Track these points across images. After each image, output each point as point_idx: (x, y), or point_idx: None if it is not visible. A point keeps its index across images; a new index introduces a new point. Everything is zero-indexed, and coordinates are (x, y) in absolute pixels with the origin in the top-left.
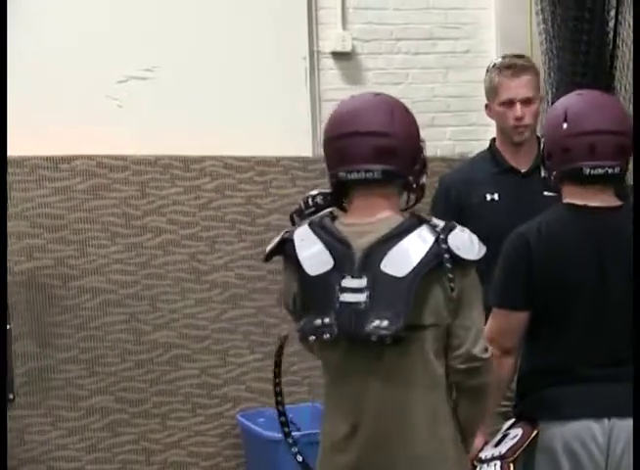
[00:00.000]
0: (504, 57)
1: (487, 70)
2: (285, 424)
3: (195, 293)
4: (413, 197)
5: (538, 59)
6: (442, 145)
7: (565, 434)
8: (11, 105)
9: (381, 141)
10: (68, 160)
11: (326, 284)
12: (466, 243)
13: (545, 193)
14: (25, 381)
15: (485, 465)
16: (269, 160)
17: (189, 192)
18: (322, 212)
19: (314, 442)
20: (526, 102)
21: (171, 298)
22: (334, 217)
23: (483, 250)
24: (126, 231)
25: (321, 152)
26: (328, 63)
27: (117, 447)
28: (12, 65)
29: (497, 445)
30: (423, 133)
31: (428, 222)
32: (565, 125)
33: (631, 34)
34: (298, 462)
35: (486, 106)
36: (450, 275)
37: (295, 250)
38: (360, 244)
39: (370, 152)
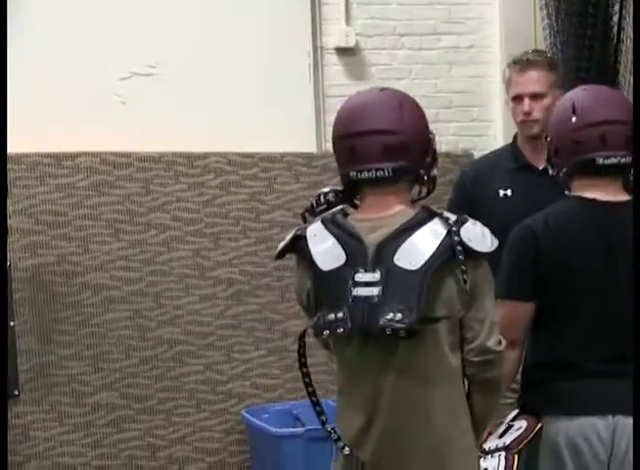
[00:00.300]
0: (525, 52)
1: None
2: (321, 413)
3: (199, 289)
4: (425, 189)
5: None
6: (446, 141)
7: (569, 429)
8: (14, 103)
9: (389, 139)
10: (72, 157)
11: (339, 279)
12: (478, 235)
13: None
14: (30, 377)
15: (490, 456)
16: (273, 156)
17: (193, 188)
18: (334, 209)
19: (317, 438)
20: (535, 97)
21: (175, 294)
22: (346, 214)
23: (496, 243)
24: (130, 228)
25: (325, 148)
26: (331, 58)
27: (123, 443)
28: (15, 62)
29: (501, 436)
30: None
31: (440, 215)
32: (574, 119)
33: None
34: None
35: (507, 101)
36: (463, 267)
37: (307, 246)
38: (372, 238)
39: (379, 150)
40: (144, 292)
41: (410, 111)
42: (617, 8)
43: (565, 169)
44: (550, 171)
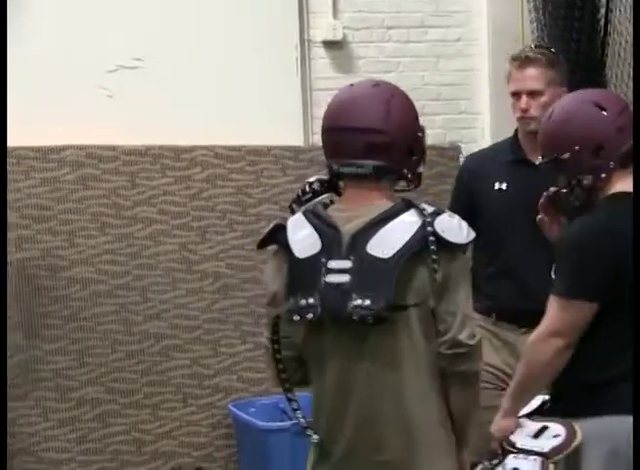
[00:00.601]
0: (525, 48)
1: None
2: (293, 400)
3: (186, 283)
4: (411, 185)
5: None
6: (433, 133)
7: (604, 430)
8: None
9: (373, 137)
10: (58, 150)
11: (313, 266)
12: (453, 227)
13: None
14: (15, 373)
15: (523, 456)
16: (260, 149)
17: (179, 182)
18: (317, 199)
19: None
20: (533, 94)
21: (162, 288)
22: (326, 205)
23: (472, 235)
24: (116, 222)
25: (312, 141)
26: (319, 52)
27: (108, 438)
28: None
29: (536, 436)
30: None
31: (416, 207)
32: (605, 112)
33: (623, 22)
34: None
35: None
36: (434, 256)
37: (287, 235)
38: (349, 228)
39: (362, 148)
40: (130, 286)
41: (399, 109)
42: (603, 0)
43: (611, 164)
44: (585, 182)
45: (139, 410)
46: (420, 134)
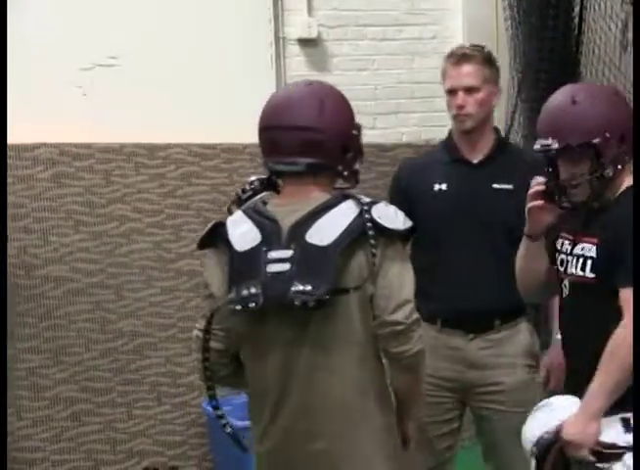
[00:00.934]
0: (461, 46)
1: None
2: (214, 397)
3: (160, 281)
4: (348, 183)
5: (505, 45)
6: (408, 131)
7: None
8: None
9: (307, 135)
10: (32, 148)
11: (253, 258)
12: (390, 214)
13: (494, 185)
14: None
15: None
16: (235, 147)
17: (154, 180)
18: (257, 197)
19: None
20: (470, 90)
21: (136, 286)
22: (265, 203)
23: (409, 223)
24: (91, 219)
25: None
26: (294, 49)
27: (82, 437)
28: None
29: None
30: (388, 120)
31: (353, 197)
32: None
33: (597, 20)
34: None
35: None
36: (372, 241)
37: (227, 231)
38: (288, 221)
39: (296, 145)
40: (105, 284)
41: (332, 108)
42: None
43: (627, 157)
44: (610, 173)
45: (113, 409)
46: (355, 132)
